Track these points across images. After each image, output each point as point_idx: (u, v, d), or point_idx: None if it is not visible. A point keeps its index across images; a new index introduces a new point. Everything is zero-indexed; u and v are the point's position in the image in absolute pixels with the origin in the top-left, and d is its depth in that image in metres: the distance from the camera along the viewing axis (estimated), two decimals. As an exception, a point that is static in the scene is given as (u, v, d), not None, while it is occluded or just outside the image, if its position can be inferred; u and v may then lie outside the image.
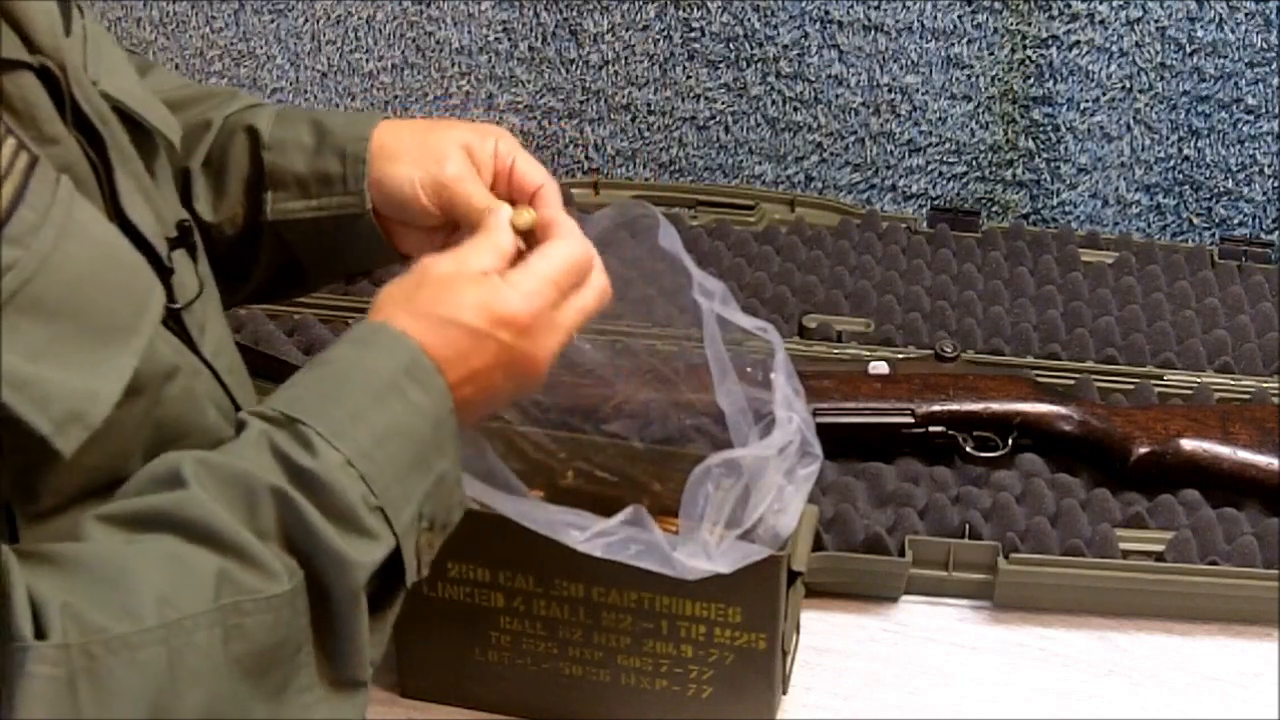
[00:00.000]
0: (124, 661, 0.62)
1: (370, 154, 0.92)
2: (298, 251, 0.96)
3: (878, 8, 1.55)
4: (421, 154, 0.91)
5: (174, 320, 0.78)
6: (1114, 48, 1.53)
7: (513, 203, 0.90)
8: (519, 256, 0.85)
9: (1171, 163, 1.59)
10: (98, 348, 0.65)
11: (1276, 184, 1.57)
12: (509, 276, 0.81)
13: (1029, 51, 1.55)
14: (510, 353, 0.80)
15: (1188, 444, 1.20)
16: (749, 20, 1.58)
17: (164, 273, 0.77)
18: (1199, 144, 1.57)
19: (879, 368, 1.26)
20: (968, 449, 1.22)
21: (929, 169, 1.63)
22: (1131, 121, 1.57)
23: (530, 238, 0.87)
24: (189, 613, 0.64)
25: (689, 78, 1.62)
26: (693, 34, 1.60)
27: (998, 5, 1.53)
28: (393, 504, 0.72)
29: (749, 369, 0.96)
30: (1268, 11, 1.50)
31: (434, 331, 0.77)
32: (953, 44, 1.56)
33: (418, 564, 0.75)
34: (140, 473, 0.70)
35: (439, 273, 0.80)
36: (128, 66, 0.81)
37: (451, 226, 0.93)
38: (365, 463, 0.71)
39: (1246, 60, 1.52)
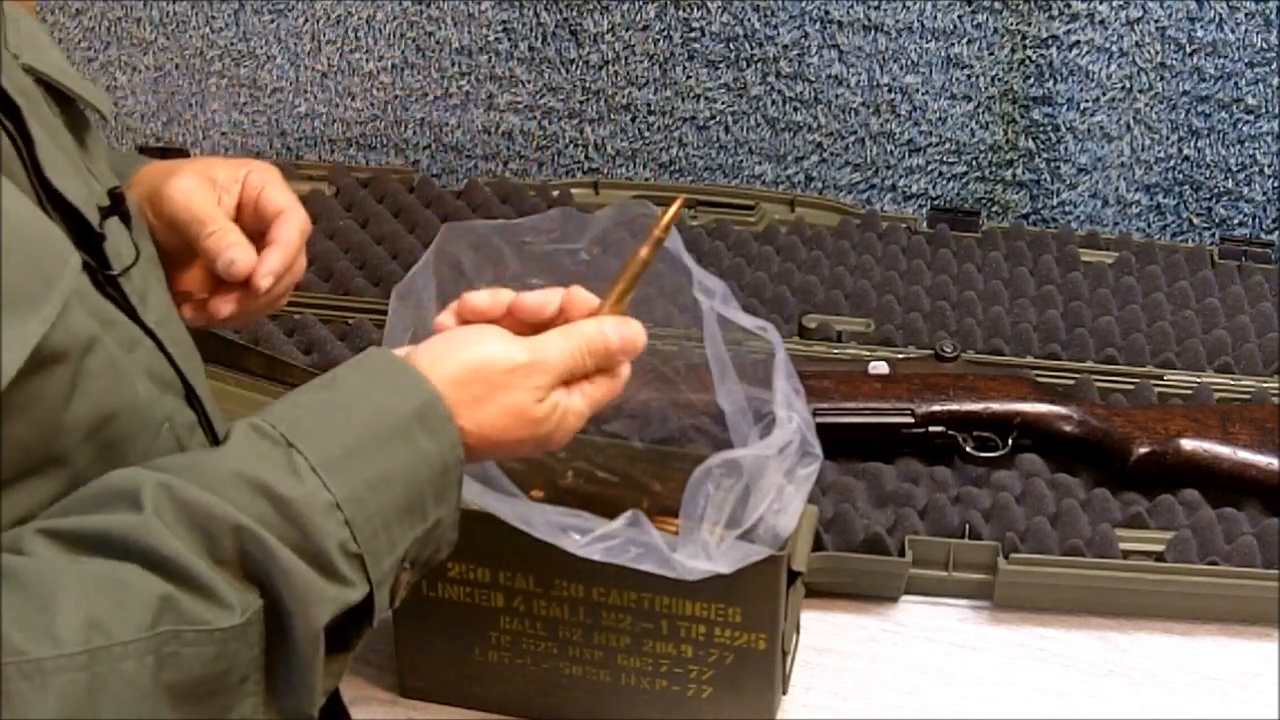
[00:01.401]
0: (35, 686, 0.60)
1: (125, 192, 0.90)
2: None
3: (878, 8, 1.55)
4: (155, 176, 0.90)
5: (112, 287, 0.76)
6: (1114, 48, 1.53)
7: (254, 232, 0.89)
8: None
9: (1171, 163, 1.59)
10: (3, 316, 0.63)
11: (1276, 184, 1.57)
12: (584, 389, 0.83)
13: (1029, 51, 1.55)
14: (537, 442, 0.81)
15: (1188, 444, 1.20)
16: (749, 20, 1.58)
17: (95, 239, 0.75)
18: (1199, 144, 1.57)
19: (879, 368, 1.26)
20: (968, 449, 1.22)
21: (929, 169, 1.63)
22: (1131, 121, 1.57)
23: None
24: (119, 640, 0.62)
25: (689, 78, 1.62)
26: (693, 34, 1.60)
27: (998, 5, 1.53)
28: (375, 552, 0.71)
29: (749, 368, 0.96)
30: (1268, 11, 1.50)
31: (482, 425, 0.78)
32: (953, 44, 1.56)
33: (391, 600, 0.74)
34: (98, 483, 0.68)
35: (500, 373, 0.79)
36: (51, 43, 0.80)
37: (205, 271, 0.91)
38: (353, 507, 0.70)
39: (1246, 60, 1.52)
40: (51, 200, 0.73)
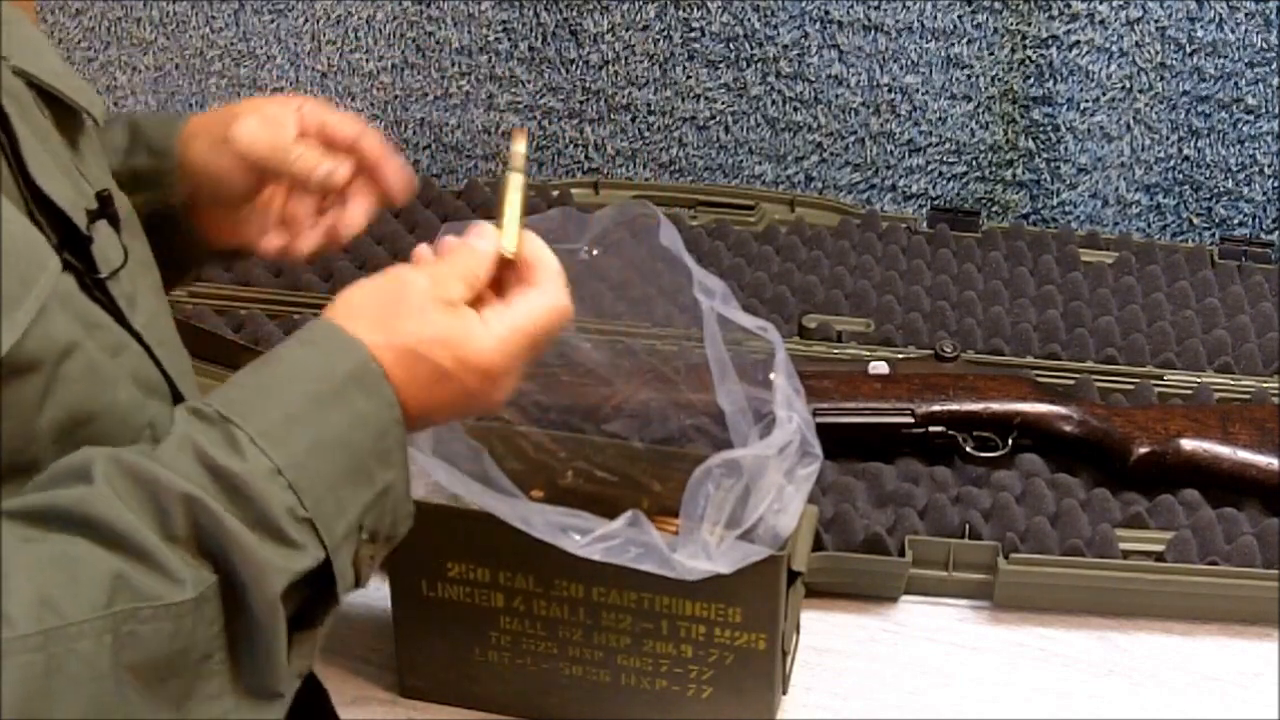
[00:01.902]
0: None
1: (179, 146, 0.92)
2: None
3: (878, 8, 1.55)
4: (216, 125, 0.92)
5: (99, 290, 0.76)
6: (1114, 48, 1.53)
7: (335, 150, 0.90)
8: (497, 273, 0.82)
9: (1171, 163, 1.59)
10: None
11: (1276, 184, 1.57)
12: (486, 317, 0.79)
13: (1029, 51, 1.55)
14: (470, 395, 0.78)
15: (1188, 444, 1.20)
16: (749, 20, 1.58)
17: (83, 242, 0.75)
18: (1199, 144, 1.57)
19: (879, 368, 1.26)
20: (968, 449, 1.22)
21: (929, 169, 1.63)
22: (1131, 121, 1.57)
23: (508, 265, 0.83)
24: (74, 619, 0.61)
25: (689, 78, 1.62)
26: (693, 34, 1.60)
27: (998, 5, 1.53)
28: (325, 515, 0.70)
29: (749, 368, 0.96)
30: (1268, 11, 1.50)
31: (400, 360, 0.75)
32: (953, 44, 1.56)
33: (355, 576, 0.73)
34: (53, 465, 0.68)
35: (416, 292, 0.77)
36: (47, 46, 0.80)
37: (269, 204, 0.93)
38: (296, 471, 0.69)
39: (1246, 60, 1.52)
40: (38, 203, 0.73)
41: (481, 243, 0.81)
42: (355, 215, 0.94)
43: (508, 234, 0.82)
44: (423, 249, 0.83)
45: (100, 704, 0.62)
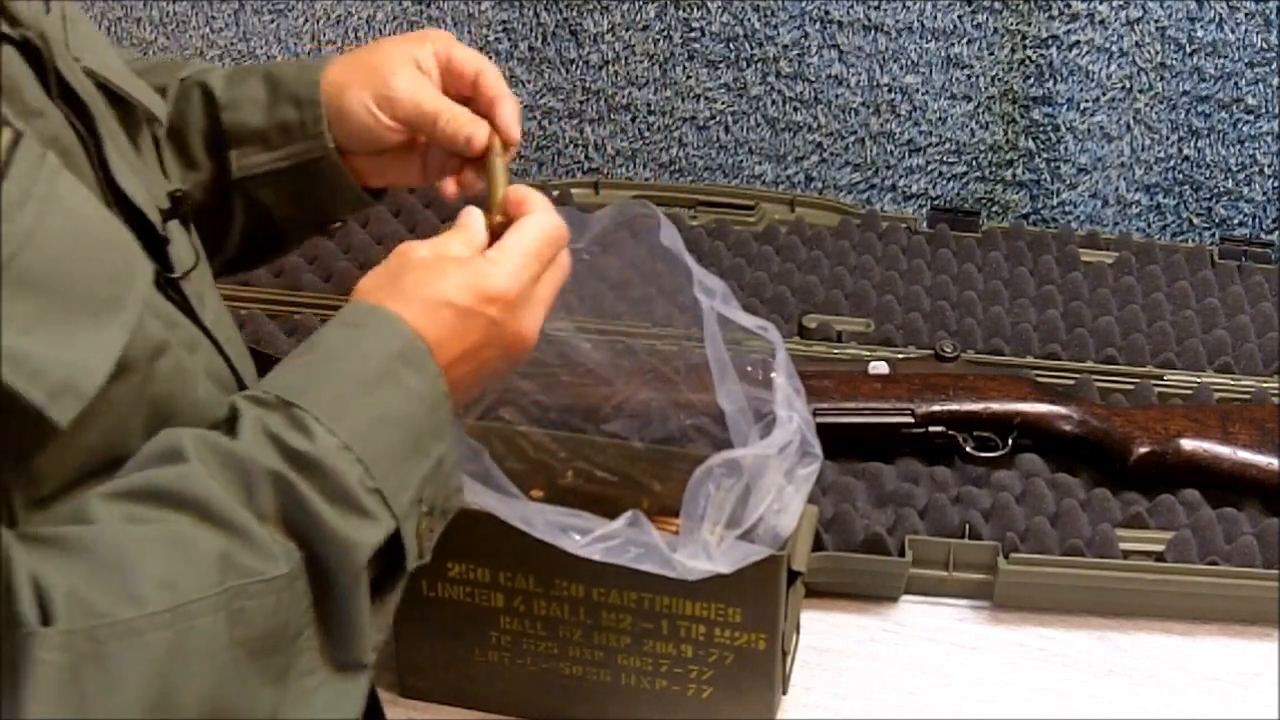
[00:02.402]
0: (129, 647, 0.62)
1: (324, 95, 0.93)
2: (269, 207, 0.97)
3: (878, 8, 1.55)
4: (367, 76, 0.93)
5: (174, 290, 0.78)
6: (1114, 48, 1.53)
7: (460, 98, 0.93)
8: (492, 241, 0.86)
9: (1171, 163, 1.59)
10: (87, 321, 0.65)
11: (1276, 184, 1.57)
12: (489, 255, 0.82)
13: (1029, 51, 1.55)
14: (500, 328, 0.81)
15: (1188, 444, 1.20)
16: (749, 20, 1.58)
17: (159, 243, 0.77)
18: (1199, 144, 1.57)
19: (879, 368, 1.26)
20: (968, 449, 1.22)
21: (929, 169, 1.63)
22: (1131, 121, 1.57)
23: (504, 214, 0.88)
24: (193, 597, 0.64)
25: (689, 78, 1.62)
26: (693, 34, 1.60)
27: (998, 5, 1.53)
28: (391, 487, 0.72)
29: (749, 368, 0.96)
30: (1268, 11, 1.50)
31: (425, 314, 0.78)
32: (953, 44, 1.56)
33: (419, 549, 0.76)
34: (142, 450, 0.70)
35: (419, 257, 0.81)
36: (107, 44, 0.81)
37: (417, 148, 0.96)
38: (362, 446, 0.71)
39: (1246, 60, 1.52)
40: (118, 203, 0.74)
41: (471, 217, 0.86)
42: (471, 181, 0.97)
43: (495, 206, 0.88)
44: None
45: (222, 678, 0.65)
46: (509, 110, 0.93)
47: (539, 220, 0.85)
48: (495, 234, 0.86)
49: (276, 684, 0.68)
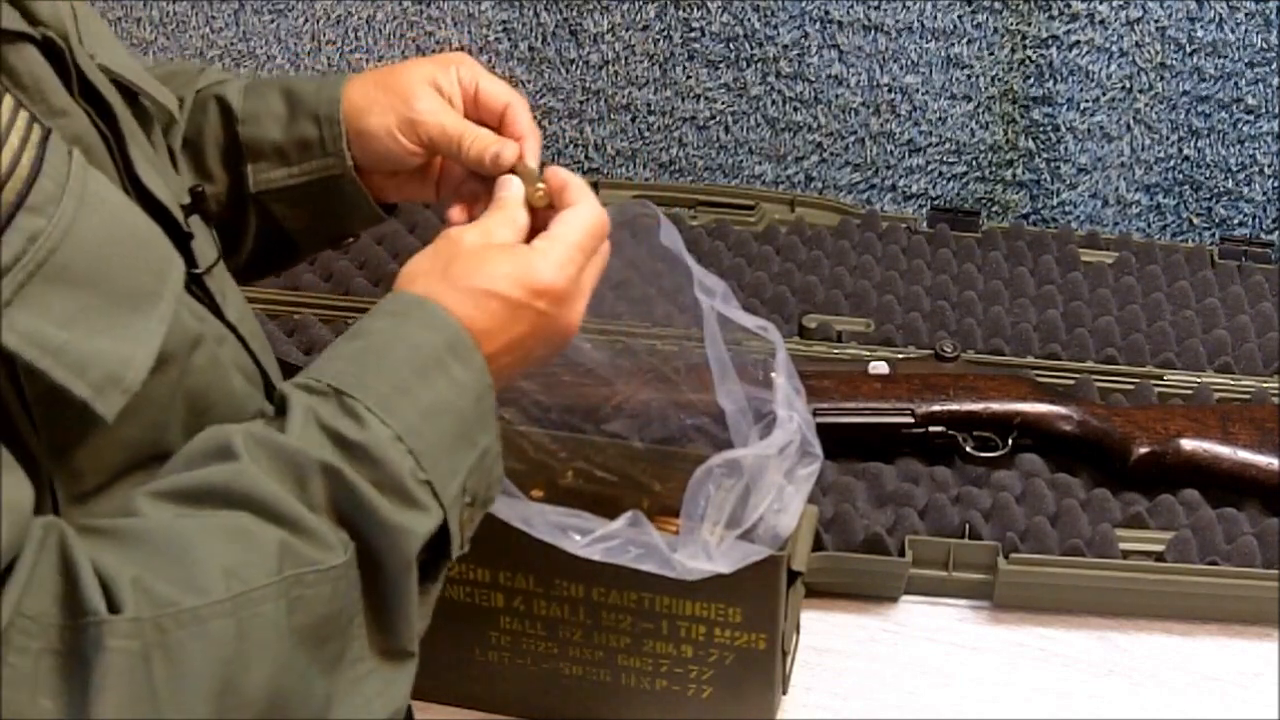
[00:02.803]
0: (195, 634, 0.62)
1: (344, 113, 0.93)
2: (284, 221, 0.97)
3: (878, 8, 1.55)
4: (390, 99, 0.93)
5: (198, 286, 0.78)
6: (1114, 48, 1.53)
7: (485, 125, 0.94)
8: (533, 217, 0.87)
9: (1171, 163, 1.59)
10: (126, 314, 0.65)
11: (1276, 184, 1.57)
12: (538, 247, 0.83)
13: (1029, 51, 1.55)
14: (547, 321, 0.81)
15: (1188, 444, 1.20)
16: (749, 20, 1.58)
17: (183, 238, 0.77)
18: (1199, 144, 1.57)
19: (879, 368, 1.26)
20: (968, 449, 1.22)
21: (929, 169, 1.63)
22: (1131, 121, 1.57)
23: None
24: (254, 585, 0.64)
25: (689, 78, 1.62)
26: (693, 34, 1.60)
27: (998, 5, 1.53)
28: (440, 478, 0.73)
29: (749, 368, 0.96)
30: (1268, 11, 1.50)
31: (474, 304, 0.78)
32: (953, 44, 1.56)
33: (461, 538, 0.76)
34: (188, 447, 0.70)
35: (469, 245, 0.81)
36: (118, 42, 0.81)
37: (434, 167, 0.96)
38: (414, 438, 0.72)
39: (1246, 60, 1.52)
40: (141, 200, 0.74)
41: (510, 190, 0.87)
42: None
43: (532, 178, 0.89)
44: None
45: (282, 665, 0.65)
46: (534, 149, 0.93)
47: (585, 211, 0.85)
48: (536, 212, 0.87)
49: (331, 672, 0.69)
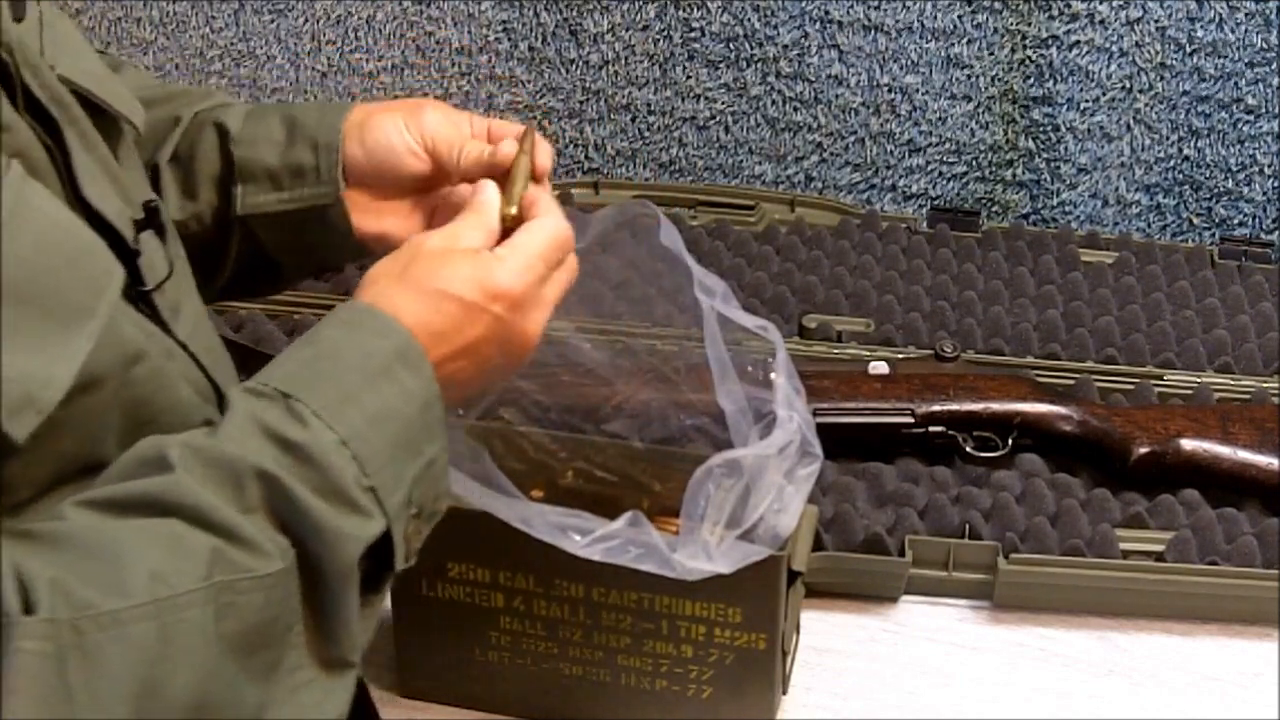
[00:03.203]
0: (114, 637, 0.62)
1: (348, 124, 0.94)
2: (268, 247, 0.96)
3: (878, 8, 1.55)
4: (399, 108, 0.95)
5: (144, 303, 0.77)
6: (1114, 48, 1.53)
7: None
8: (503, 236, 0.86)
9: (1171, 163, 1.59)
10: (52, 331, 0.65)
11: (1276, 184, 1.57)
12: (498, 253, 0.83)
13: (1029, 51, 1.55)
14: (503, 327, 0.81)
15: (1188, 444, 1.20)
16: (749, 20, 1.58)
17: (129, 255, 0.76)
18: (1199, 144, 1.57)
19: (879, 368, 1.26)
20: (968, 449, 1.22)
21: (929, 169, 1.63)
22: (1131, 121, 1.57)
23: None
24: (182, 589, 0.64)
25: (689, 78, 1.62)
26: (693, 34, 1.60)
27: (998, 5, 1.53)
28: (384, 485, 0.72)
29: (749, 368, 0.96)
30: (1268, 11, 1.50)
31: (429, 304, 0.78)
32: (953, 44, 1.56)
33: (406, 550, 0.75)
34: (124, 457, 0.70)
35: (431, 248, 0.81)
36: (89, 52, 0.80)
37: (425, 203, 0.96)
38: (359, 443, 0.72)
39: (1246, 60, 1.52)
40: (86, 216, 0.73)
41: (486, 194, 0.86)
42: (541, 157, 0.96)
43: (512, 198, 0.87)
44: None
45: (208, 672, 0.65)
46: (546, 151, 0.94)
47: (550, 222, 0.85)
48: (508, 229, 0.86)
49: (264, 680, 0.68)
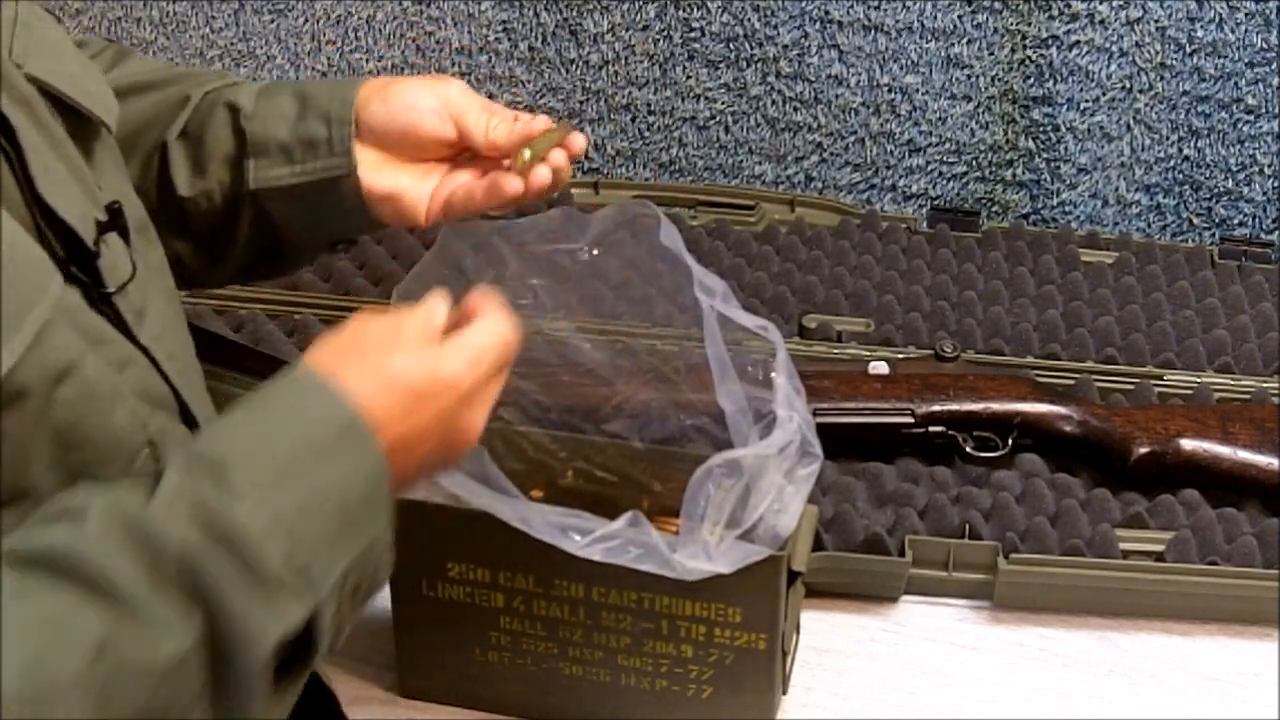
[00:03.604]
0: None
1: (366, 89, 0.94)
2: (279, 223, 0.96)
3: (878, 8, 1.55)
4: (421, 79, 0.95)
5: (106, 304, 0.75)
6: (1114, 48, 1.53)
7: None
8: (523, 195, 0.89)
9: (1171, 163, 1.59)
10: None
11: (1276, 184, 1.57)
12: (448, 344, 0.79)
13: (1029, 51, 1.55)
14: (449, 418, 0.78)
15: (1188, 444, 1.20)
16: (749, 20, 1.58)
17: (88, 257, 0.74)
18: (1199, 144, 1.57)
19: (879, 368, 1.26)
20: (968, 449, 1.22)
21: (929, 169, 1.63)
22: (1131, 121, 1.57)
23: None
24: (60, 679, 0.61)
25: (689, 78, 1.62)
26: (693, 34, 1.60)
27: (998, 5, 1.53)
28: (318, 569, 0.69)
29: (749, 368, 0.96)
30: (1268, 11, 1.50)
31: (376, 388, 0.74)
32: (953, 44, 1.56)
33: (335, 632, 0.72)
34: (54, 500, 0.67)
35: (378, 331, 0.78)
36: (69, 53, 0.79)
37: (435, 193, 0.96)
38: (291, 523, 0.68)
39: (1246, 60, 1.52)
40: (45, 217, 0.72)
41: (435, 300, 0.81)
42: (575, 140, 0.98)
43: (535, 147, 0.91)
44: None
45: None
46: (578, 136, 0.95)
47: (500, 323, 0.81)
48: (519, 171, 0.89)
49: None
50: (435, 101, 0.93)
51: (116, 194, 0.80)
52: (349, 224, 0.97)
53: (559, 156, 0.92)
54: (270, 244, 0.98)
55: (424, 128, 0.93)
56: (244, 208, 0.95)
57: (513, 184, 0.95)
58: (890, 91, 1.59)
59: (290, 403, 0.73)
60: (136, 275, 0.78)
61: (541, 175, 0.95)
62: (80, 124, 0.78)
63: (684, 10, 1.59)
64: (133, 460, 0.73)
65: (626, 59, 1.62)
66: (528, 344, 0.85)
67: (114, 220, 0.78)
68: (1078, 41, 1.53)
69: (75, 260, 0.72)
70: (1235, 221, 1.60)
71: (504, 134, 0.92)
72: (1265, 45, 1.51)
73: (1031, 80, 1.56)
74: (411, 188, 0.96)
